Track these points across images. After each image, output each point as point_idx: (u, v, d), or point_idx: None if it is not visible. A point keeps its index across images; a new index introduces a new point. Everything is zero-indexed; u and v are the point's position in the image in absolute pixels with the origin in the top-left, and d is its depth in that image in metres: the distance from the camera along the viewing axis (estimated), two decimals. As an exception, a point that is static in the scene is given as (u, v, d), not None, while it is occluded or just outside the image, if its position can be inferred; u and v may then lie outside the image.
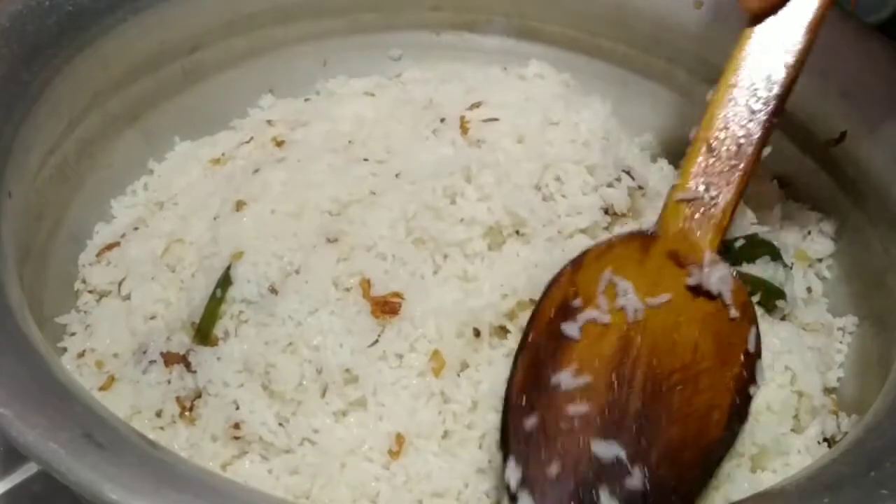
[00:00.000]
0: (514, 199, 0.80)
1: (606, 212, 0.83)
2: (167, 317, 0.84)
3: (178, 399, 0.78)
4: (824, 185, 0.94)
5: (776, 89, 0.71)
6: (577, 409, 0.60)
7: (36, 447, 0.56)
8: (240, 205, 0.86)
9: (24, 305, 0.70)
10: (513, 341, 0.75)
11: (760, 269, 0.82)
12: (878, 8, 1.28)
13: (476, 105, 0.91)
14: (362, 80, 1.07)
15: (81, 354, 0.84)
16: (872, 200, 0.87)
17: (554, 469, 0.59)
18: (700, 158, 0.69)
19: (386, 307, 0.76)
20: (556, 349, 0.62)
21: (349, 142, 0.92)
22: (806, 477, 0.62)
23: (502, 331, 0.77)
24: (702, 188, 0.68)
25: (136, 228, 0.93)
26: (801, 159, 0.96)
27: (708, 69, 1.02)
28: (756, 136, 0.70)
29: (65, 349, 0.84)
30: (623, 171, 0.86)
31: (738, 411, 0.62)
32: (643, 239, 0.68)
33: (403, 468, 0.72)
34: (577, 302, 0.64)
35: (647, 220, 0.82)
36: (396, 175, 0.85)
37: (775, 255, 0.84)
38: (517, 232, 0.81)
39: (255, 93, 1.08)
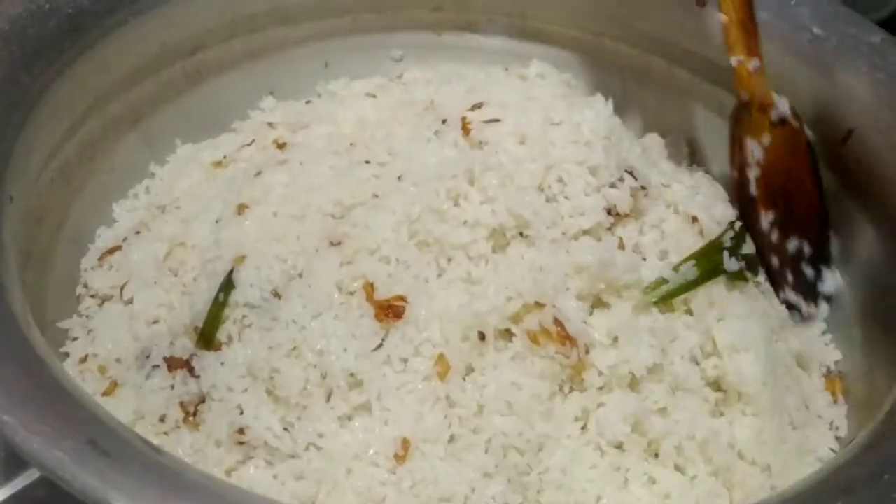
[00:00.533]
0: (518, 201, 0.80)
1: (609, 212, 0.82)
2: (170, 321, 0.83)
3: (181, 404, 0.77)
4: (830, 184, 0.94)
5: None
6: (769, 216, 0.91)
7: (40, 455, 0.55)
8: (242, 208, 0.85)
9: (26, 310, 0.70)
10: (519, 345, 0.75)
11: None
12: (880, 5, 1.28)
13: (478, 106, 0.90)
14: (364, 82, 1.06)
15: (84, 359, 0.83)
16: (878, 200, 0.87)
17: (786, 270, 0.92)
18: (740, 34, 0.90)
19: (390, 311, 0.76)
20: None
21: (351, 144, 0.92)
22: (819, 479, 0.62)
23: (507, 334, 0.76)
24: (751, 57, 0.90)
25: (137, 232, 0.92)
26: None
27: (710, 69, 1.02)
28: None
29: (67, 354, 0.84)
30: (626, 171, 0.85)
31: (819, 188, 0.94)
32: (749, 105, 0.91)
33: (410, 473, 0.71)
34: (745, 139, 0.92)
35: (650, 220, 0.85)
36: (399, 177, 0.84)
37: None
38: (521, 234, 0.80)
39: (257, 95, 1.08)
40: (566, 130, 0.87)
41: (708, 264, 0.82)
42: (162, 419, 0.77)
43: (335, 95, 1.06)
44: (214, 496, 0.56)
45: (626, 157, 0.88)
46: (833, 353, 0.90)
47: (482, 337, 0.75)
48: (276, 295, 0.78)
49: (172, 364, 0.79)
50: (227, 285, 0.79)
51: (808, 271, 0.92)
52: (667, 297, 0.79)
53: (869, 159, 0.88)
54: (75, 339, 0.86)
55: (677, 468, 0.74)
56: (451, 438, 0.73)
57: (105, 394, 0.80)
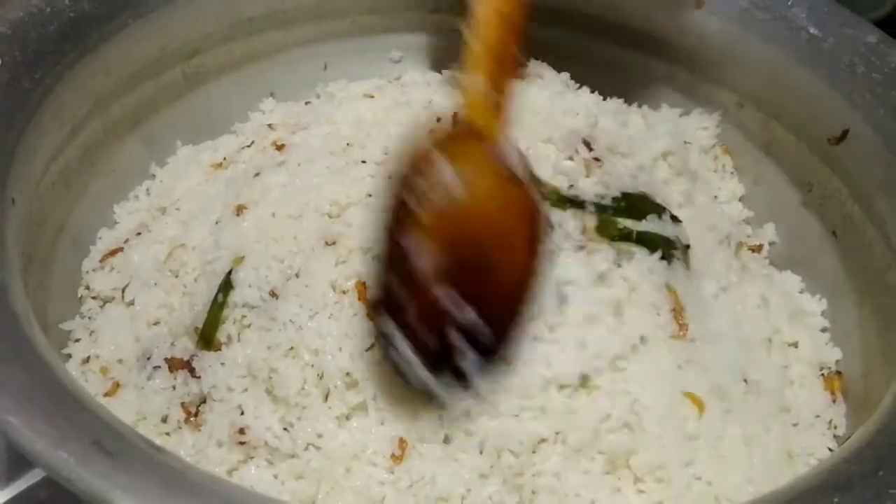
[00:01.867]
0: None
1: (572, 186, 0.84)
2: (171, 322, 0.84)
3: (183, 405, 0.78)
4: (827, 182, 0.94)
5: None
6: (432, 278, 0.69)
7: (45, 455, 0.56)
8: (240, 209, 0.86)
9: (29, 312, 0.70)
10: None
11: (651, 225, 0.83)
12: (877, 6, 1.28)
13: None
14: (362, 83, 1.07)
15: (86, 361, 0.84)
16: (874, 197, 0.87)
17: (421, 328, 0.69)
18: (475, 55, 0.73)
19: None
20: (403, 218, 0.69)
21: (348, 144, 0.92)
22: (814, 476, 0.62)
23: None
24: (483, 79, 0.73)
25: (138, 234, 0.93)
26: (807, 157, 0.96)
27: (708, 69, 1.03)
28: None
29: (69, 356, 0.84)
30: (583, 140, 0.87)
31: (537, 266, 0.73)
32: (465, 128, 0.73)
33: (407, 472, 0.72)
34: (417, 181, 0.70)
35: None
36: (390, 177, 0.85)
37: (660, 210, 0.85)
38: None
39: (256, 97, 1.08)
40: (543, 116, 0.89)
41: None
42: (164, 420, 0.78)
43: (334, 97, 1.06)
44: (217, 496, 0.56)
45: (582, 128, 0.89)
46: (833, 352, 0.90)
47: None
48: (274, 295, 0.78)
49: (173, 365, 0.80)
50: (226, 286, 0.80)
51: (465, 350, 0.71)
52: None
53: (866, 158, 0.88)
54: (77, 340, 0.86)
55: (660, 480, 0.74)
56: (446, 439, 0.73)
57: (107, 395, 0.81)
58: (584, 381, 0.74)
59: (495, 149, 0.71)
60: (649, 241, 0.82)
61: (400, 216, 0.70)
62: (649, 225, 0.84)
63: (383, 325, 0.71)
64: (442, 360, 0.70)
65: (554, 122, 0.90)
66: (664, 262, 0.82)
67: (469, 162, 0.70)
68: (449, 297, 0.69)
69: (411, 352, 0.70)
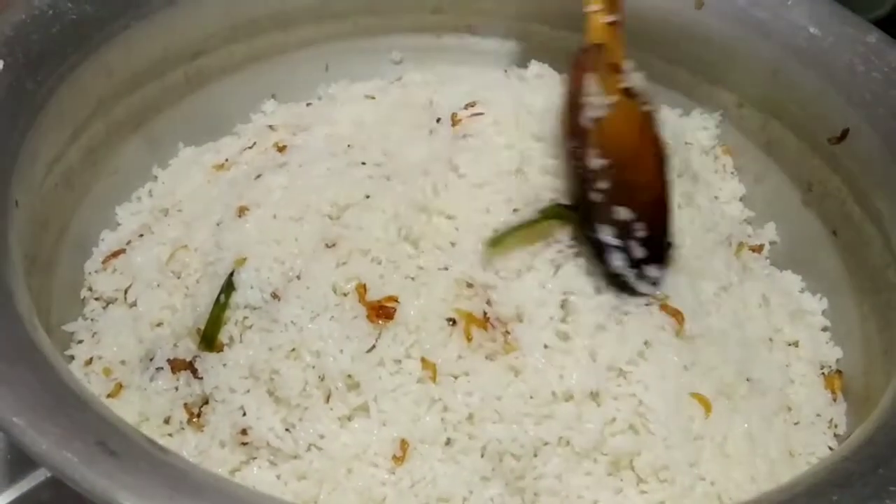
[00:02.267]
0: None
1: None
2: (173, 323, 0.84)
3: (185, 406, 0.78)
4: (827, 182, 0.94)
5: None
6: (602, 183, 0.78)
7: (50, 456, 0.56)
8: (242, 210, 0.86)
9: (32, 313, 0.70)
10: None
11: None
12: (876, 5, 1.28)
13: (471, 105, 0.91)
14: (363, 84, 1.07)
15: (89, 362, 0.84)
16: (874, 196, 0.88)
17: (623, 214, 0.78)
18: None
19: (381, 311, 0.76)
20: (585, 136, 0.79)
21: (348, 145, 0.92)
22: (814, 474, 0.62)
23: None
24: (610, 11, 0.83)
25: (141, 235, 0.93)
26: (807, 157, 0.96)
27: (709, 69, 1.03)
28: None
29: (72, 357, 0.85)
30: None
31: (665, 167, 0.83)
32: (598, 51, 0.82)
33: (409, 473, 0.72)
34: (576, 98, 0.80)
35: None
36: (387, 177, 0.86)
37: None
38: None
39: (258, 98, 1.08)
40: (538, 115, 0.89)
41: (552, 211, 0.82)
42: (167, 420, 0.78)
43: (335, 98, 1.06)
44: (222, 495, 0.56)
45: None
46: (833, 351, 0.90)
47: (453, 322, 0.76)
48: (276, 297, 0.79)
49: (176, 366, 0.80)
50: (228, 287, 0.80)
51: (637, 250, 0.79)
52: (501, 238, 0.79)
53: (865, 158, 0.89)
54: (80, 341, 0.86)
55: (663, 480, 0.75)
56: (449, 441, 0.73)
57: (110, 396, 0.81)
58: (594, 395, 0.75)
59: (627, 78, 0.80)
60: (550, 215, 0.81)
61: (579, 136, 0.79)
62: None
63: (598, 232, 0.78)
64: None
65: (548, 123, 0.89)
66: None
67: (607, 86, 0.79)
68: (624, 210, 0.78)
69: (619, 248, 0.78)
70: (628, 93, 0.81)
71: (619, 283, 0.79)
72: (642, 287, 0.80)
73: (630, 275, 0.79)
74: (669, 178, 0.83)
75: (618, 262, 0.78)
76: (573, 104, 0.80)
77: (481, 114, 0.89)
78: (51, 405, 0.59)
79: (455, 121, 0.89)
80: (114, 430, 0.59)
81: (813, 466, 0.66)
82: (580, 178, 0.79)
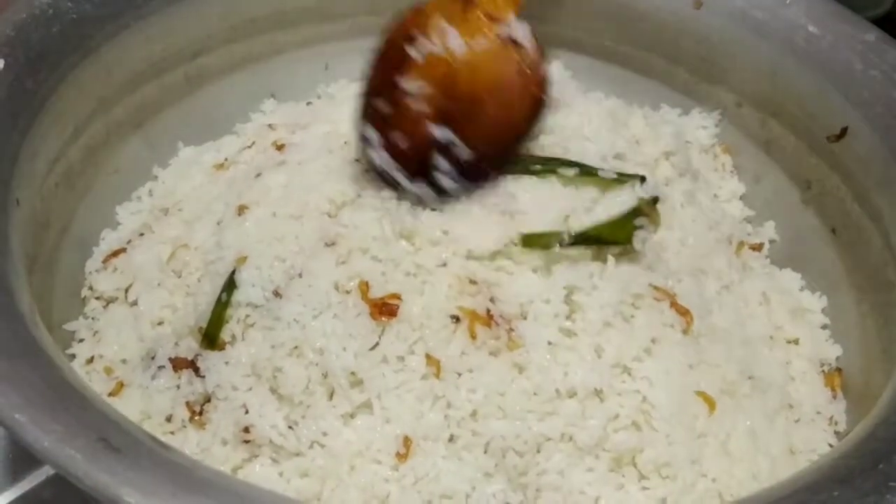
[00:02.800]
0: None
1: None
2: (174, 322, 0.84)
3: (187, 404, 0.78)
4: (826, 180, 0.95)
5: None
6: (416, 105, 0.82)
7: (53, 453, 0.56)
8: (242, 209, 0.86)
9: (35, 312, 0.70)
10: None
11: (622, 198, 0.85)
12: (875, 4, 1.29)
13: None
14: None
15: (90, 361, 0.84)
16: (873, 195, 0.88)
17: (401, 141, 0.83)
18: None
19: (384, 309, 0.76)
20: (402, 63, 0.83)
21: (345, 142, 0.92)
22: (815, 470, 0.62)
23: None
24: None
25: (141, 234, 0.93)
26: (806, 155, 0.97)
27: (708, 68, 1.03)
28: None
29: (73, 356, 0.85)
30: None
31: (534, 115, 0.86)
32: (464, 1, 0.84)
33: (412, 470, 0.72)
34: (420, 34, 0.83)
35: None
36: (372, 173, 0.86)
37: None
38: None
39: (258, 97, 1.09)
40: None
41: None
42: (168, 419, 0.78)
43: (334, 97, 1.07)
44: (224, 491, 0.56)
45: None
46: (833, 349, 0.91)
47: (456, 320, 0.76)
48: (277, 294, 0.79)
49: (177, 364, 0.80)
50: (230, 286, 0.80)
51: (442, 164, 0.82)
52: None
53: (864, 156, 0.89)
54: (81, 340, 0.87)
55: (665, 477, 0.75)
56: (452, 438, 0.73)
57: (111, 394, 0.81)
58: (598, 392, 0.75)
59: (504, 29, 0.83)
60: (592, 240, 0.81)
61: (395, 59, 0.83)
62: (617, 199, 0.84)
63: (364, 129, 0.84)
64: (419, 171, 0.83)
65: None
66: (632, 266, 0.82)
67: (470, 29, 0.83)
68: (433, 122, 0.82)
69: (388, 155, 0.83)
70: (508, 41, 0.84)
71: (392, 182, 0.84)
72: (416, 188, 0.83)
73: (400, 175, 0.83)
74: (531, 127, 0.87)
75: (378, 160, 0.83)
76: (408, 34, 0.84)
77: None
78: (53, 402, 0.59)
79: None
80: (116, 426, 0.59)
81: (813, 463, 0.66)
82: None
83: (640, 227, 0.82)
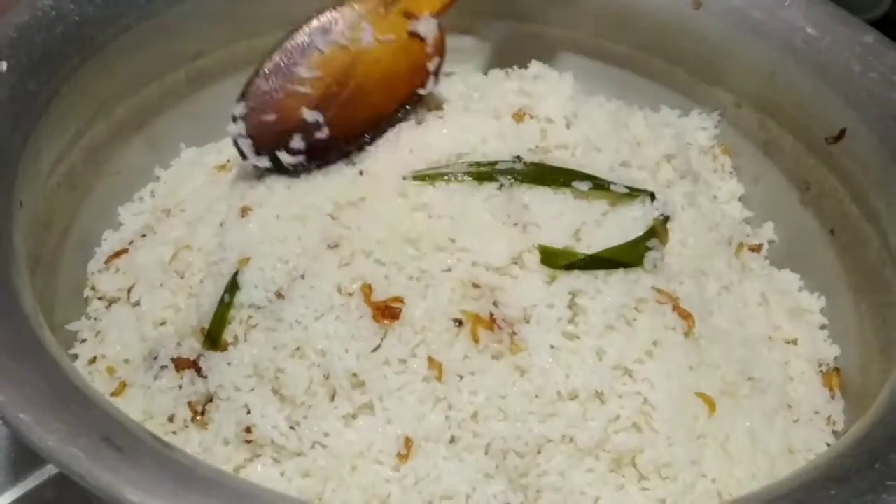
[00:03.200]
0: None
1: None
2: (177, 322, 0.85)
3: (189, 404, 0.79)
4: (825, 181, 0.95)
5: None
6: (303, 88, 0.89)
7: (56, 452, 0.56)
8: (245, 210, 0.87)
9: (38, 313, 0.71)
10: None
11: (634, 212, 0.86)
12: (874, 6, 1.29)
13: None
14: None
15: (92, 361, 0.85)
16: (871, 196, 0.88)
17: (269, 116, 0.89)
18: None
19: (387, 312, 0.76)
20: (305, 51, 0.89)
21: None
22: (812, 469, 0.63)
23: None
24: None
25: (143, 235, 0.94)
26: (804, 157, 0.97)
27: (707, 69, 1.04)
28: None
29: (76, 356, 0.85)
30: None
31: (408, 102, 0.91)
32: None
33: (413, 471, 0.72)
34: (335, 27, 0.90)
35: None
36: (376, 176, 0.86)
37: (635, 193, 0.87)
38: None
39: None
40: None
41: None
42: (170, 419, 0.79)
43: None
44: (225, 490, 0.57)
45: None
46: (831, 349, 0.91)
47: (459, 323, 0.76)
48: (280, 296, 0.79)
49: (180, 364, 0.81)
50: (233, 287, 0.81)
51: (297, 143, 0.89)
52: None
53: (862, 157, 0.89)
54: (84, 340, 0.87)
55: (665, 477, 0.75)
56: (453, 439, 0.74)
57: (114, 394, 0.82)
58: (599, 394, 0.75)
59: (418, 25, 0.89)
60: (606, 262, 0.81)
61: (301, 46, 0.89)
62: (628, 214, 0.85)
63: (236, 104, 0.89)
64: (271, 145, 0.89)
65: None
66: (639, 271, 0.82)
67: (385, 26, 0.89)
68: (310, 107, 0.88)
69: (245, 125, 0.89)
70: (414, 36, 0.90)
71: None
72: (258, 161, 0.89)
73: (245, 146, 0.89)
74: (398, 112, 0.91)
75: (233, 129, 0.89)
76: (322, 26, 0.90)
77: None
78: (57, 402, 0.60)
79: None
80: (119, 426, 0.59)
81: (811, 462, 0.66)
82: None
83: (651, 249, 0.83)
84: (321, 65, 0.89)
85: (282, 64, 0.89)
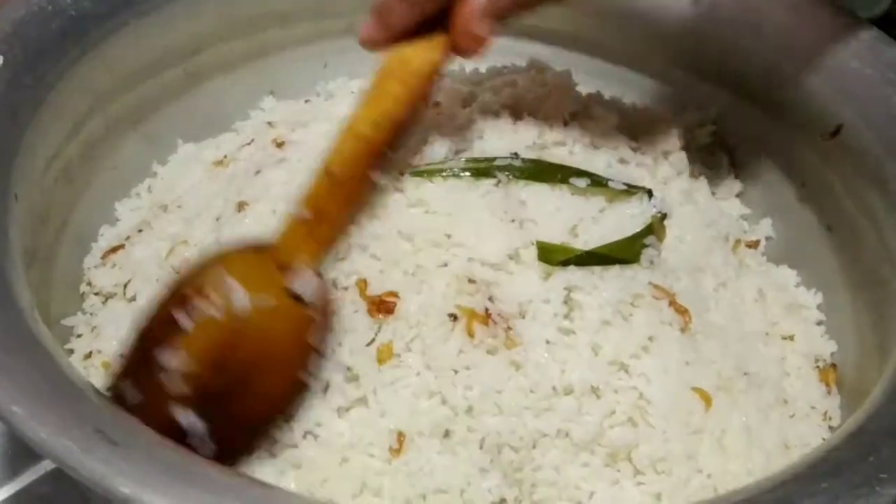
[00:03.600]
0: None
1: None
2: (172, 317, 0.84)
3: (184, 398, 0.78)
4: (821, 178, 0.95)
5: (387, 123, 0.76)
6: (173, 386, 0.68)
7: (49, 444, 0.56)
8: (241, 206, 0.87)
9: (32, 306, 0.71)
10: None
11: (632, 209, 0.86)
12: (873, 5, 1.29)
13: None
14: (362, 81, 1.07)
15: (88, 356, 0.84)
16: (867, 192, 0.88)
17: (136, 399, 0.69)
18: (319, 183, 0.76)
19: (382, 306, 0.76)
20: (168, 334, 0.69)
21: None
22: (805, 464, 0.63)
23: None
24: (311, 211, 0.75)
25: (140, 231, 0.94)
26: (801, 153, 0.97)
27: (703, 66, 1.04)
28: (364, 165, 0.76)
29: (71, 351, 0.85)
30: None
31: (295, 396, 0.73)
32: (257, 249, 0.75)
33: (406, 464, 0.72)
34: (193, 296, 0.70)
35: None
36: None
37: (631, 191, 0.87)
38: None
39: (257, 95, 1.09)
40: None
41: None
42: (165, 413, 0.79)
43: (333, 95, 1.07)
44: (218, 483, 0.57)
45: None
46: (828, 345, 0.91)
47: (454, 318, 0.76)
48: (276, 291, 0.79)
49: (175, 360, 0.80)
50: (228, 281, 0.80)
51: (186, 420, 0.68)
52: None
53: (860, 153, 0.89)
54: (79, 335, 0.87)
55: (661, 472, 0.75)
56: (447, 433, 0.73)
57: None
58: (595, 389, 0.75)
59: (296, 283, 0.72)
60: (602, 258, 0.81)
61: (161, 328, 0.70)
62: (626, 212, 0.85)
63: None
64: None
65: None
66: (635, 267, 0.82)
67: (258, 283, 0.71)
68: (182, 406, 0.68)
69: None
70: (293, 296, 0.72)
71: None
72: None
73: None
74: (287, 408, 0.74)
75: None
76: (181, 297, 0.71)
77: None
78: (50, 395, 0.60)
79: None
80: (113, 418, 0.59)
81: (804, 456, 0.66)
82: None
83: (648, 246, 0.83)
84: (189, 347, 0.69)
85: (142, 358, 0.70)
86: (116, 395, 0.69)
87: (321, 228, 0.75)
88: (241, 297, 0.69)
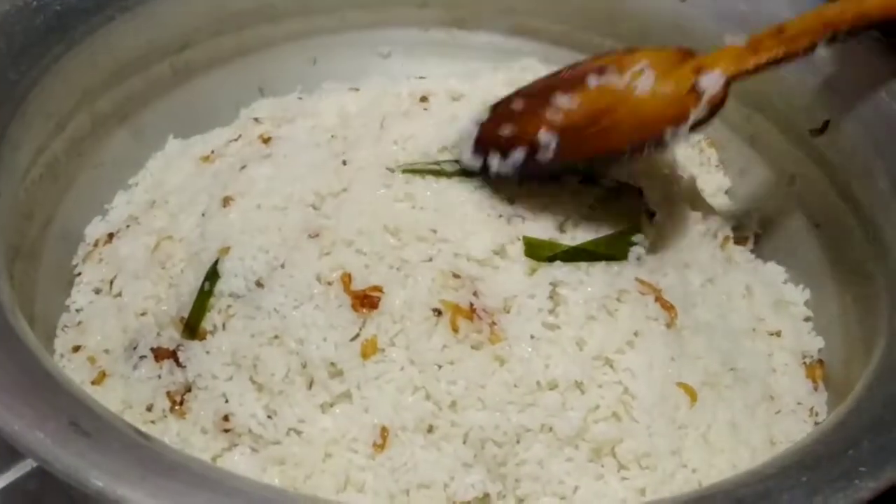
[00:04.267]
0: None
1: None
2: (157, 313, 0.84)
3: (168, 393, 0.78)
4: (809, 173, 0.95)
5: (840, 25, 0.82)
6: (552, 115, 0.83)
7: (23, 436, 0.56)
8: (227, 201, 0.87)
9: (13, 301, 0.71)
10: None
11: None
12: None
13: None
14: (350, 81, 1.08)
15: (73, 350, 0.85)
16: (854, 188, 0.88)
17: (506, 129, 0.85)
18: (769, 30, 0.83)
19: (366, 301, 0.76)
20: (574, 84, 0.84)
21: (332, 136, 0.93)
22: (786, 457, 0.63)
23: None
24: (749, 42, 0.83)
25: (127, 226, 0.94)
26: (789, 149, 0.97)
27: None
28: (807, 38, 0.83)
29: (57, 346, 0.85)
30: None
31: (639, 153, 0.84)
32: (683, 51, 0.83)
33: (389, 459, 0.72)
34: (612, 69, 0.83)
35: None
36: (363, 168, 0.86)
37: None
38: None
39: (245, 91, 1.09)
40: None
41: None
42: (149, 408, 0.79)
43: (321, 92, 1.07)
44: (195, 477, 0.56)
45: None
46: (815, 341, 0.91)
47: (438, 313, 0.76)
48: (260, 285, 0.79)
49: (159, 354, 0.81)
50: (213, 276, 0.81)
51: (517, 155, 0.83)
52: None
53: (847, 149, 0.89)
54: (65, 328, 0.87)
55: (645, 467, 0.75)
56: (430, 428, 0.73)
57: (94, 383, 0.81)
58: (579, 384, 0.75)
59: (699, 82, 0.80)
60: (589, 254, 0.81)
61: (567, 82, 0.85)
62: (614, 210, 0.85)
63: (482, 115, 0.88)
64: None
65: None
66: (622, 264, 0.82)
67: (669, 78, 0.81)
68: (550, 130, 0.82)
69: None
70: (692, 91, 0.81)
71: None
72: (471, 159, 0.85)
73: (468, 143, 0.86)
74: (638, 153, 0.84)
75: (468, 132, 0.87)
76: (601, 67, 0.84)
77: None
78: (27, 387, 0.60)
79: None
80: (88, 411, 0.59)
81: (785, 450, 0.66)
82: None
83: (636, 244, 0.83)
84: (583, 99, 0.83)
85: (546, 89, 0.85)
86: (503, 104, 0.89)
87: (750, 54, 0.82)
88: (647, 84, 0.80)
